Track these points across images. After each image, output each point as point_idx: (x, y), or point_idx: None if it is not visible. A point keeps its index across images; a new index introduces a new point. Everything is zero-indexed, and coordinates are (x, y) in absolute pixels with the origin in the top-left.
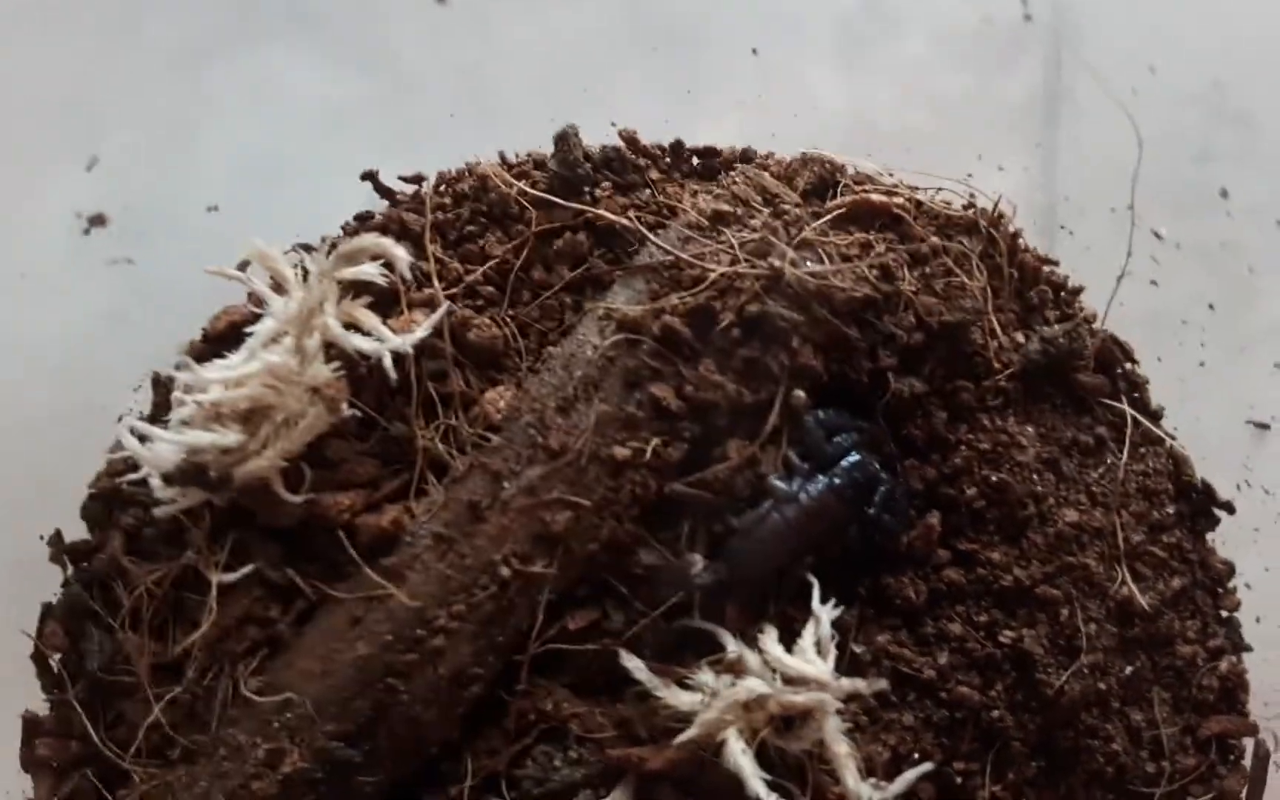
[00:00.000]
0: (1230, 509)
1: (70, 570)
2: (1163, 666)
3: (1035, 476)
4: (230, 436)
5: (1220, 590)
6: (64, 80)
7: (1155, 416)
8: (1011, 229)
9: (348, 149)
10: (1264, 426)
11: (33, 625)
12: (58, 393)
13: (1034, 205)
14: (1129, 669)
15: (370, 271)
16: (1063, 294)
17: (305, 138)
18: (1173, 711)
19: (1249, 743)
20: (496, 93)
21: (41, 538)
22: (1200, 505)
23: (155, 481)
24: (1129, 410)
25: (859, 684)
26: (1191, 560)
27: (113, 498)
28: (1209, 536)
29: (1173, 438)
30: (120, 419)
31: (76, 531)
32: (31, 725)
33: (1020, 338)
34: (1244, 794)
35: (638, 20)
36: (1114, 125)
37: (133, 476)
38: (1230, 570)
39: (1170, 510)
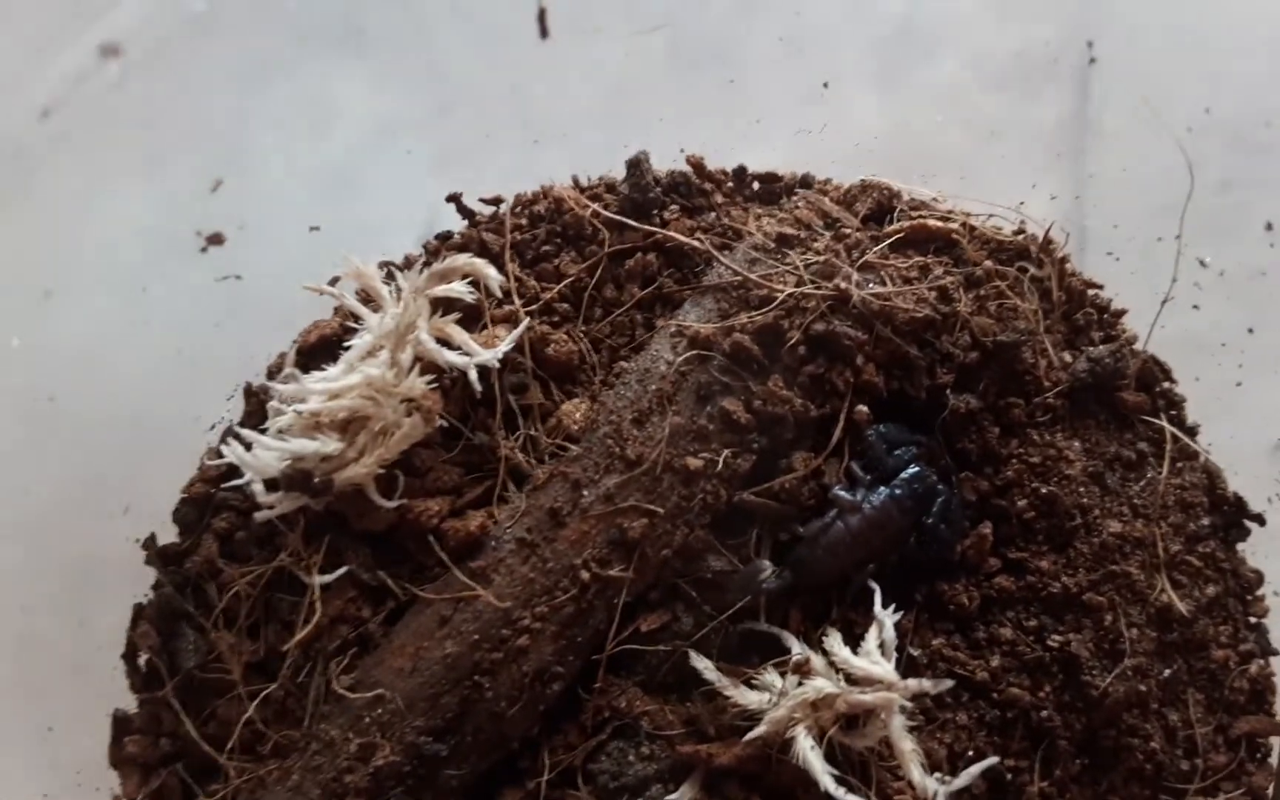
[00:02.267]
0: (1261, 521)
1: (163, 572)
2: (1197, 669)
3: (1081, 489)
4: (331, 444)
5: (1250, 598)
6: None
7: (1192, 433)
8: (1060, 254)
9: (398, 167)
10: None
11: (93, 625)
12: (148, 400)
13: (1080, 231)
14: (1167, 672)
15: (461, 289)
16: (1106, 316)
17: (360, 155)
18: (1206, 712)
19: (1276, 742)
20: (548, 113)
21: (137, 541)
22: (1232, 517)
23: (258, 487)
24: (1168, 427)
25: (925, 684)
26: (1224, 569)
27: (205, 503)
28: (1240, 546)
29: (1208, 453)
30: (213, 428)
31: (165, 536)
32: (121, 723)
33: (1068, 357)
34: (1271, 790)
35: (677, 42)
36: (1151, 153)
37: (233, 482)
38: (1260, 578)
39: (1205, 522)
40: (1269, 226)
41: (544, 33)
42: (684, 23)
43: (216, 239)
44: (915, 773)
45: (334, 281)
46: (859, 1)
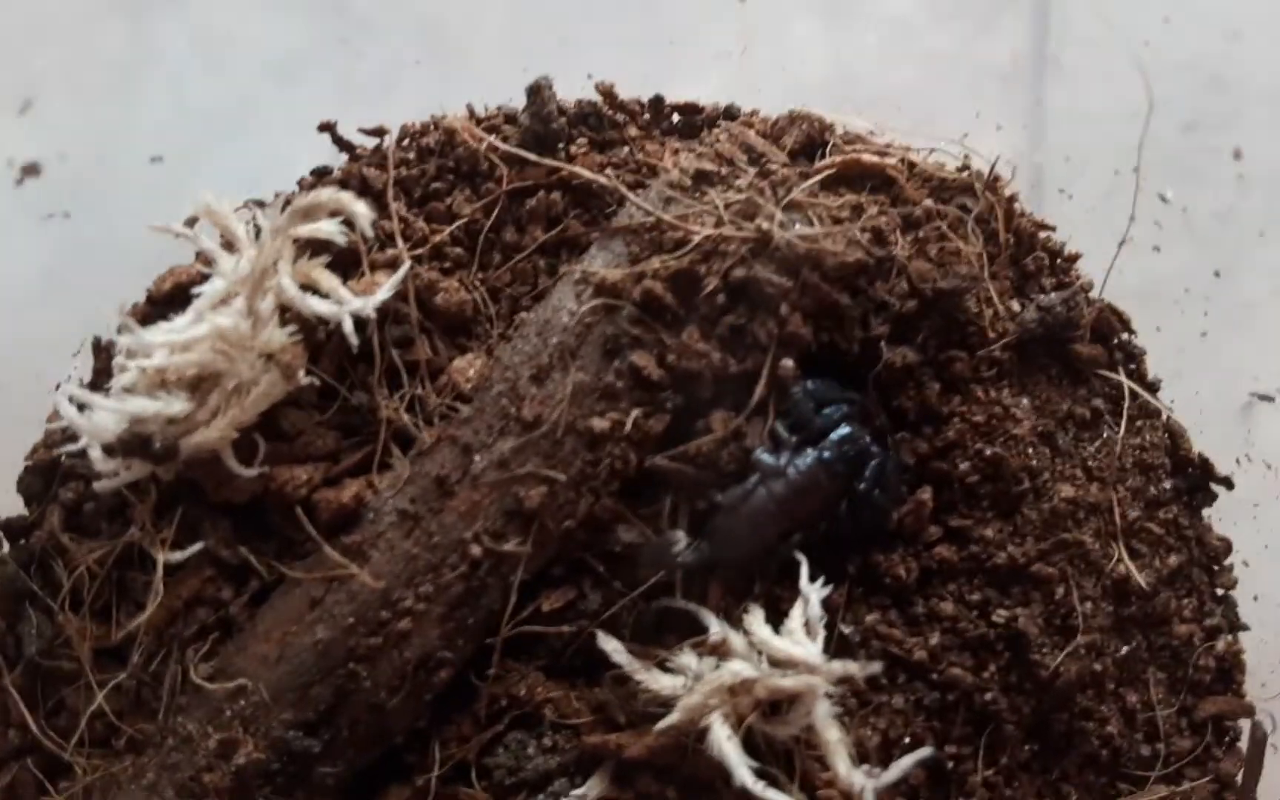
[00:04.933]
0: (1229, 484)
1: (5, 548)
2: (1158, 646)
3: (1030, 450)
4: (177, 404)
5: (1217, 568)
6: None
7: (1152, 388)
8: (1008, 192)
9: (300, 100)
10: (1268, 398)
11: None
12: None
13: (1029, 167)
14: (1125, 649)
15: (329, 229)
16: (1059, 261)
17: (255, 88)
18: (1168, 692)
19: (1245, 724)
20: (460, 41)
21: None
22: (1197, 480)
23: (95, 453)
24: (1126, 382)
25: (851, 667)
26: (1188, 537)
27: (51, 471)
28: (1206, 512)
29: (1170, 411)
30: (58, 387)
31: (12, 506)
32: None
33: (1016, 306)
34: (1240, 777)
35: None
36: (1113, 85)
37: (72, 448)
38: (1228, 547)
39: (1167, 485)
40: (1237, 154)
41: None
42: None
43: (32, 169)
44: (841, 765)
45: (191, 223)
46: None
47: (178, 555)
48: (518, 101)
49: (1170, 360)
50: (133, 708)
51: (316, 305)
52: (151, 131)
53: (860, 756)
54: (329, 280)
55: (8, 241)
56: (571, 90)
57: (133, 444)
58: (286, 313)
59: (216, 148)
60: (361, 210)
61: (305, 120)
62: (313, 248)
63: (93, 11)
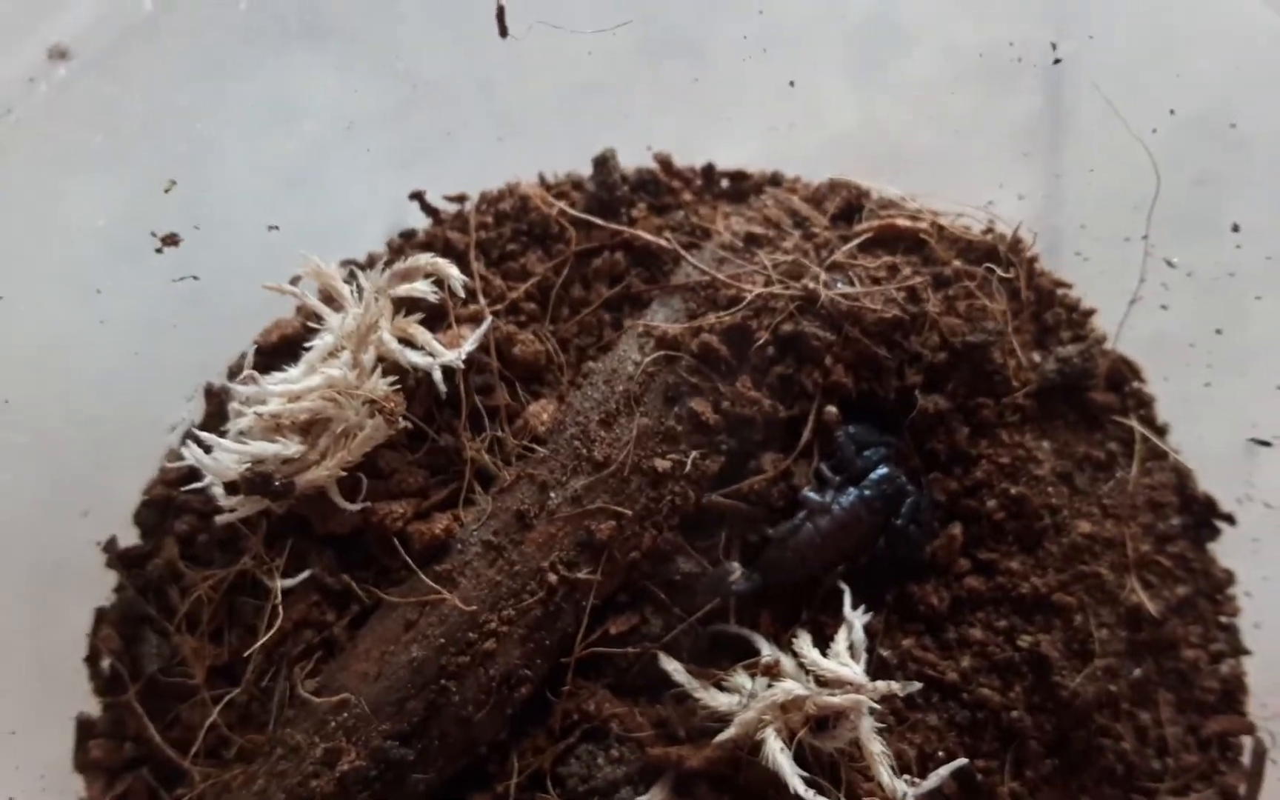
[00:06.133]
0: (1231, 520)
1: (125, 575)
2: (1168, 669)
3: (1051, 489)
4: (293, 447)
5: (1221, 597)
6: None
7: (1161, 433)
8: (1029, 253)
9: (362, 163)
10: (1265, 444)
11: (55, 628)
12: (107, 402)
13: (1048, 230)
14: (1137, 672)
15: (424, 289)
16: (1075, 315)
17: (321, 151)
18: (1176, 712)
19: (1248, 741)
20: (513, 109)
21: (98, 544)
22: (1203, 517)
23: (218, 489)
24: (1138, 426)
25: (894, 686)
26: (1195, 569)
27: (166, 505)
28: (1211, 547)
29: (1177, 453)
30: (174, 429)
31: (127, 538)
32: (85, 727)
33: (1037, 357)
34: (1243, 790)
35: (644, 38)
36: (1120, 152)
37: (196, 485)
38: (1230, 578)
39: (1175, 521)
40: (1236, 227)
41: (503, 32)
42: (651, 17)
43: (172, 239)
44: (884, 775)
45: (295, 281)
46: None
47: (288, 582)
48: (573, 166)
49: (1177, 407)
50: (243, 722)
51: (414, 357)
52: (243, 196)
53: (899, 769)
54: (423, 335)
55: (127, 298)
56: (631, 159)
57: (254, 482)
58: (386, 364)
59: (289, 208)
60: (456, 273)
61: (365, 181)
62: (408, 305)
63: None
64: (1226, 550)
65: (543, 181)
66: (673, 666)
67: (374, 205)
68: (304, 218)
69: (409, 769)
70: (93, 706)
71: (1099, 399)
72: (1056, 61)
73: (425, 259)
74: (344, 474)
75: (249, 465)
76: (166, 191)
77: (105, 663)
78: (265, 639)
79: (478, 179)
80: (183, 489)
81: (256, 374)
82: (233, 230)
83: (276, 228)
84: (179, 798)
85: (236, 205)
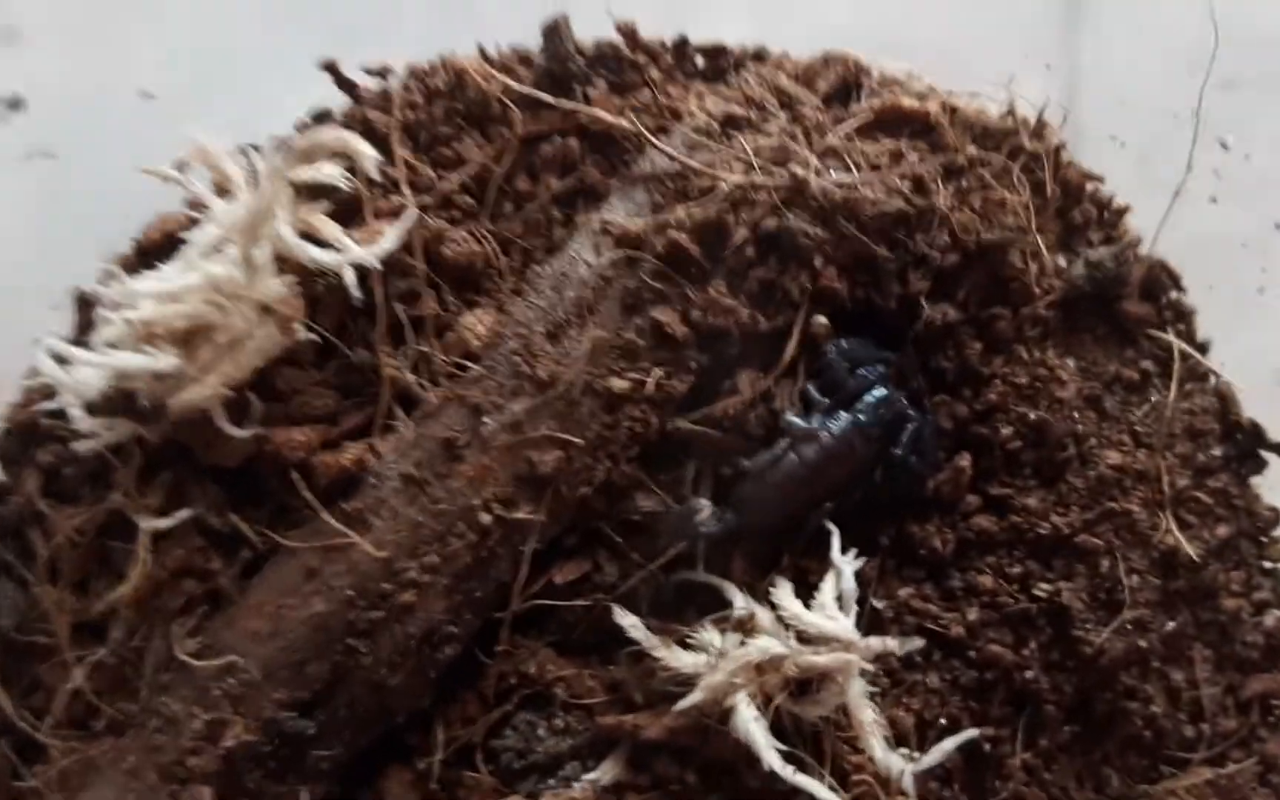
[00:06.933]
0: (1279, 451)
1: None
2: (1205, 622)
3: (1075, 414)
4: (165, 359)
5: (1265, 539)
6: None
7: (1203, 350)
8: (1055, 140)
9: (300, 38)
10: None
11: None
12: None
13: (1078, 112)
14: (1170, 624)
15: (330, 173)
16: (1107, 214)
17: (252, 25)
18: (1214, 670)
19: None
20: None
21: None
22: (1247, 447)
23: (76, 411)
24: (1176, 342)
25: (889, 643)
26: (1237, 506)
27: (30, 432)
28: (1255, 481)
29: (1220, 374)
30: (37, 341)
31: None
32: None
33: (1062, 261)
34: None
35: None
36: (1171, 27)
37: (51, 406)
38: (1277, 517)
39: (1216, 452)
40: None
41: None
42: None
43: (16, 104)
44: (877, 748)
45: (182, 166)
46: None
47: (163, 522)
48: (532, 42)
49: (1222, 320)
50: (113, 686)
51: (316, 254)
52: (142, 70)
53: (895, 740)
54: (330, 228)
55: None
56: (590, 29)
57: (117, 402)
58: (284, 263)
59: (208, 90)
60: (367, 151)
61: (303, 60)
62: (312, 194)
63: None
64: (1273, 484)
65: (483, 54)
66: (629, 621)
67: (306, 91)
68: (223, 104)
69: (310, 744)
70: None
71: (1133, 311)
72: None
73: (330, 134)
74: (230, 394)
75: (112, 381)
76: (7, 44)
77: None
78: (130, 586)
79: (418, 55)
80: (42, 412)
81: (119, 271)
82: (131, 112)
83: (151, 96)
84: (39, 775)
85: (141, 84)
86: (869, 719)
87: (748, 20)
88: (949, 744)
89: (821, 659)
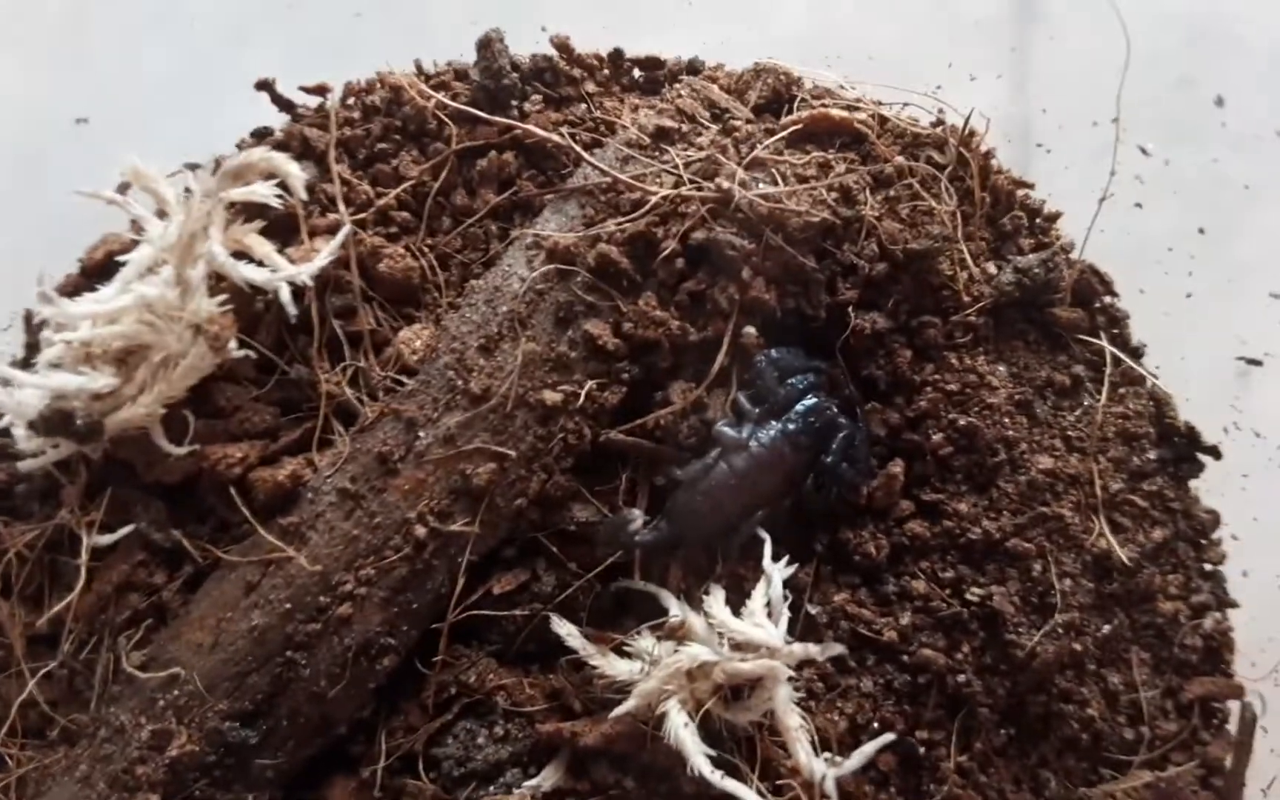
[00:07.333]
0: (1216, 454)
1: None
2: (1142, 625)
3: (1006, 420)
4: (101, 379)
5: (1204, 542)
6: None
7: (1136, 354)
8: (984, 148)
9: (245, 61)
10: (1256, 362)
11: None
12: None
13: (1008, 120)
14: (1106, 628)
15: (263, 192)
16: (1038, 220)
17: (197, 49)
18: (1153, 673)
19: (1235, 706)
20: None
21: None
22: (1184, 450)
23: (19, 431)
24: (1108, 347)
25: (812, 649)
26: (1174, 509)
27: None
28: (1193, 483)
29: (1155, 377)
30: None
31: None
32: None
33: (992, 268)
34: (1229, 761)
35: None
36: (1093, 37)
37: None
38: (1215, 520)
39: (1151, 456)
40: (1220, 101)
41: None
42: None
43: None
44: (801, 753)
45: (123, 188)
46: None
47: (107, 538)
48: (469, 56)
49: (1154, 324)
50: (66, 698)
51: (249, 272)
52: (91, 94)
53: (826, 743)
54: (262, 246)
55: None
56: (525, 45)
57: (55, 421)
58: (221, 282)
59: (159, 113)
60: (295, 171)
61: (247, 82)
62: (250, 213)
63: None
64: (1211, 487)
65: (420, 70)
66: (567, 630)
67: (250, 113)
68: (178, 130)
69: (253, 753)
70: None
71: (1064, 316)
72: None
73: (259, 154)
74: (167, 412)
75: (51, 401)
76: None
77: None
78: (73, 598)
79: (356, 74)
80: None
81: (54, 293)
82: (76, 138)
83: (85, 121)
84: None
85: (83, 111)
86: (794, 724)
87: (710, 25)
88: (870, 748)
89: (748, 665)
